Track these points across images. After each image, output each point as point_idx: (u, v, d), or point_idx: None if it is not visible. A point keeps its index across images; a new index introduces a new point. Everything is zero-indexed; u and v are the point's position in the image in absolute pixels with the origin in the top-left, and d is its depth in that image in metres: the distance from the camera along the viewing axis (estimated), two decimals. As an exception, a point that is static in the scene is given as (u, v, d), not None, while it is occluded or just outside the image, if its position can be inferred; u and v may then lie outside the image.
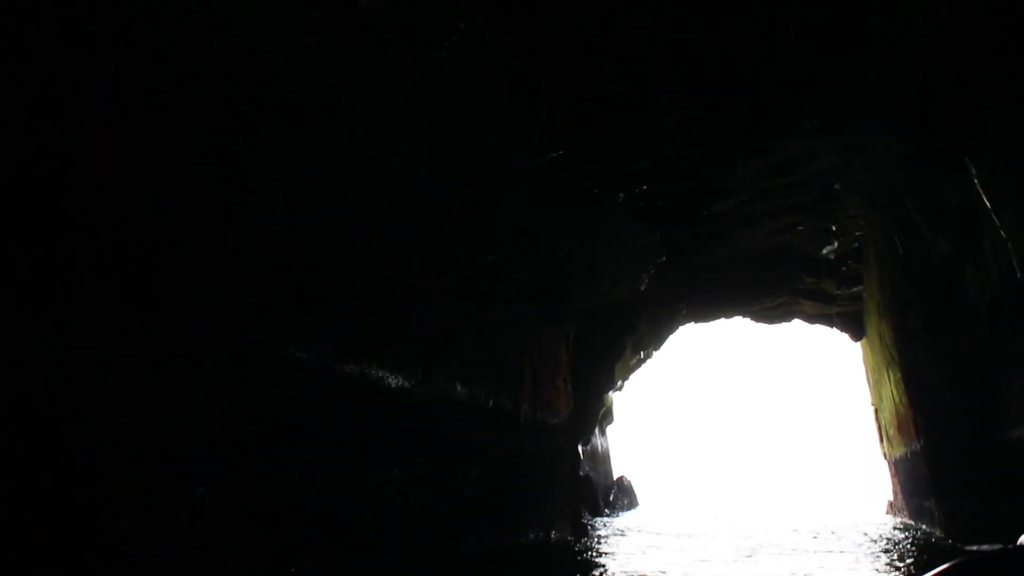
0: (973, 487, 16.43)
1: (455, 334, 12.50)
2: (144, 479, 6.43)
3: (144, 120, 6.80)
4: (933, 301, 18.14)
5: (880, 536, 19.58)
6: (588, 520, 22.82)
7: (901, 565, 14.08)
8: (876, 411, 29.49)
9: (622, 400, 77.57)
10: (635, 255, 21.56)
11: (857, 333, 28.58)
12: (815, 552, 15.33)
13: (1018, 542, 3.98)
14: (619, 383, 29.29)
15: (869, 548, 16.65)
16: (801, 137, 15.43)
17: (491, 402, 13.53)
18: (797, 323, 30.76)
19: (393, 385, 10.24)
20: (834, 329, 29.80)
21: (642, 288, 24.68)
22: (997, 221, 13.11)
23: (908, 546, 17.13)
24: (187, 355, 6.71)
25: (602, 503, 26.98)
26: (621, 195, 17.44)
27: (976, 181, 13.47)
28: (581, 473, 25.36)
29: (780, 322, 30.21)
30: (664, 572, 12.26)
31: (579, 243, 17.65)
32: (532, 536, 15.38)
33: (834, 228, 22.50)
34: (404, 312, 10.89)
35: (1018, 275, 12.88)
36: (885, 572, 12.95)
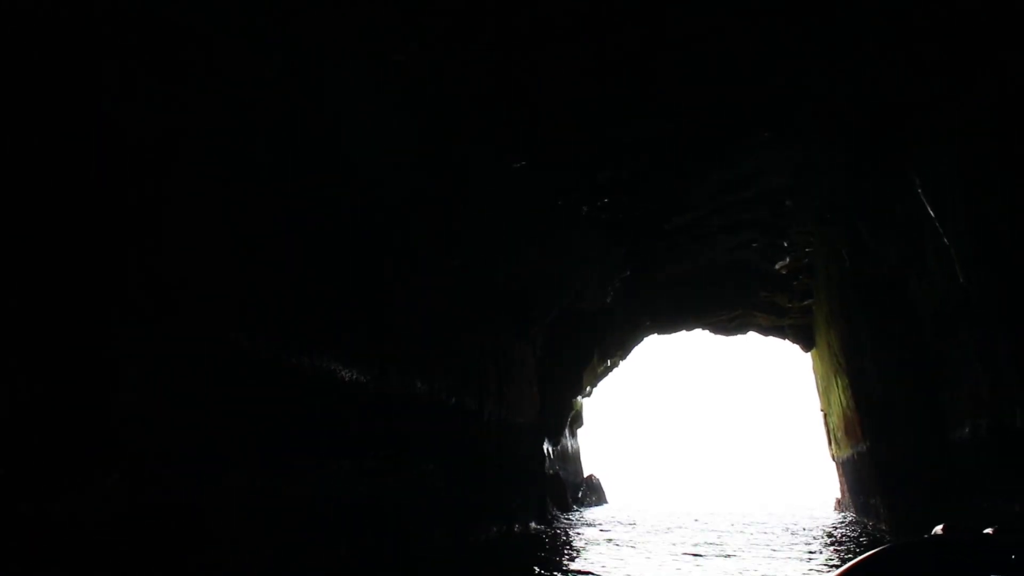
0: (917, 485, 15.50)
1: (417, 333, 11.44)
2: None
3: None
4: (879, 311, 17.25)
5: (830, 528, 18.56)
6: (556, 514, 21.69)
7: (843, 552, 13.04)
8: (825, 416, 28.55)
9: (593, 405, 76.67)
10: (601, 268, 20.56)
11: (808, 344, 27.62)
12: (765, 546, 14.25)
13: (933, 531, 3.94)
14: (587, 389, 28.24)
15: (820, 540, 15.63)
16: (754, 151, 14.48)
17: (453, 400, 12.44)
18: (753, 335, 29.77)
19: (347, 379, 9.15)
20: (786, 340, 28.83)
21: (608, 300, 23.70)
22: (940, 229, 12.17)
23: (853, 537, 16.08)
24: (98, 336, 5.59)
25: (570, 499, 25.84)
26: (585, 208, 16.44)
27: (920, 191, 12.55)
28: (551, 472, 24.24)
29: (737, 334, 29.23)
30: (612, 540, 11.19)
31: (545, 253, 16.63)
32: (495, 529, 14.28)
33: (786, 244, 21.58)
34: (362, 308, 9.83)
35: (961, 280, 11.94)
36: (825, 561, 11.90)
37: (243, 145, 7.62)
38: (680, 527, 19.03)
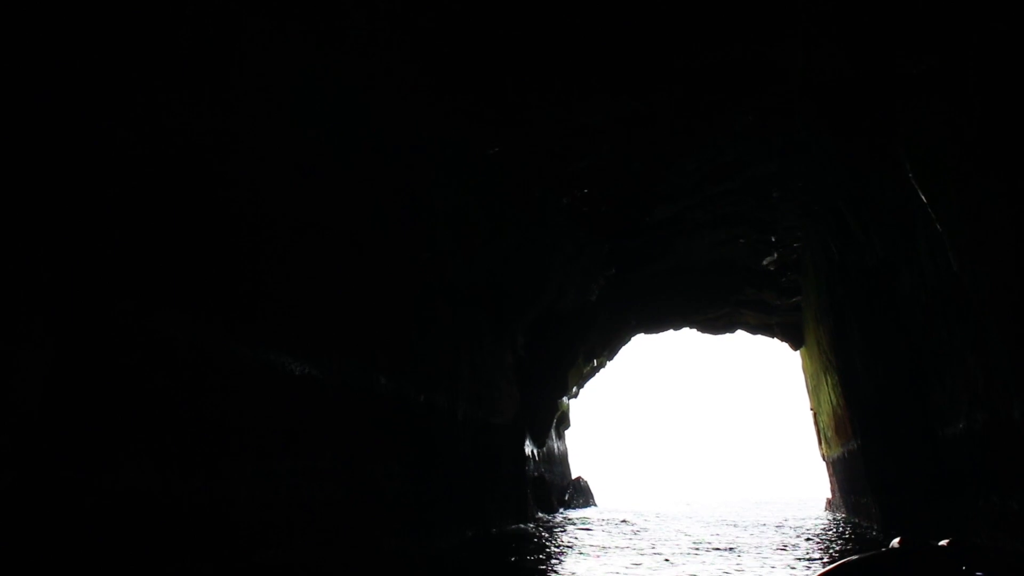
0: (909, 483, 14.95)
1: (381, 327, 10.75)
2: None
3: None
4: (868, 305, 16.69)
5: (821, 530, 17.93)
6: (539, 516, 20.99)
7: (834, 554, 12.37)
8: (815, 415, 27.97)
9: (581, 407, 76.04)
10: (583, 265, 19.91)
11: (796, 342, 27.04)
12: (755, 547, 13.62)
13: (890, 545, 4.06)
14: (573, 390, 27.57)
15: (813, 540, 15.00)
16: (737, 137, 13.85)
17: (422, 397, 11.75)
18: (742, 334, 29.17)
19: (297, 373, 8.46)
20: (775, 339, 28.24)
21: (592, 299, 23.06)
22: (933, 215, 11.57)
23: (846, 539, 15.44)
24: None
25: (556, 502, 25.13)
26: (564, 199, 15.77)
27: (911, 175, 11.95)
28: (535, 474, 23.56)
29: (724, 332, 28.62)
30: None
31: (524, 247, 15.97)
32: (470, 533, 13.58)
33: (773, 239, 20.99)
34: (318, 298, 9.14)
35: (954, 268, 11.33)
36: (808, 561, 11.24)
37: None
38: (656, 527, 18.41)
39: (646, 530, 17.76)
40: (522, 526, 16.69)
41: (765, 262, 22.34)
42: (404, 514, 11.08)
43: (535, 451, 23.99)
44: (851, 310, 17.65)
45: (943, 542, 3.99)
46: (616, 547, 13.06)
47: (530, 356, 21.27)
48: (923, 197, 11.74)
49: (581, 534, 15.89)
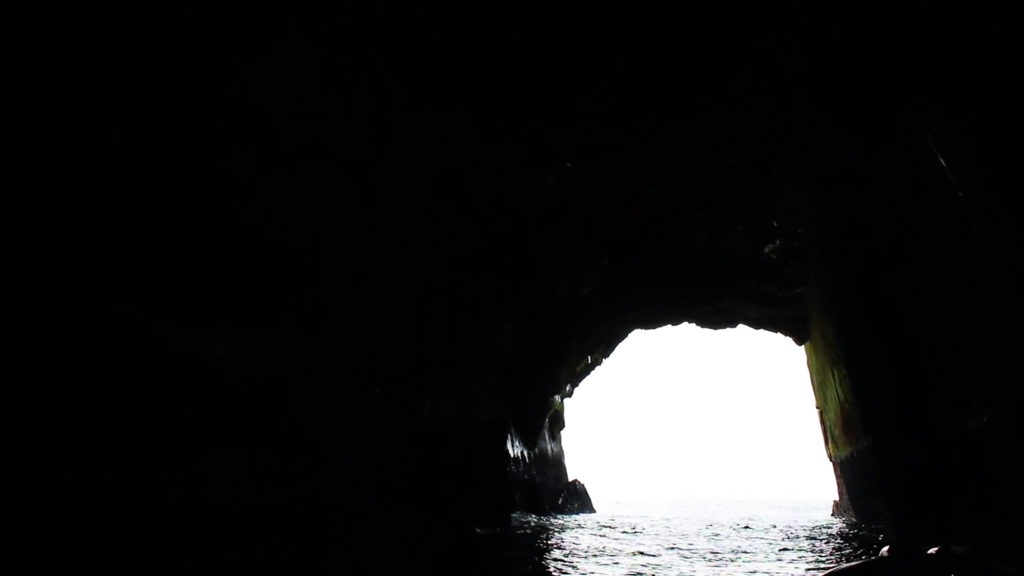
0: (925, 483, 13.68)
1: (332, 307, 9.52)
2: None
3: None
4: (877, 292, 15.46)
5: (830, 535, 16.67)
6: (525, 520, 19.68)
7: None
8: (821, 413, 26.70)
9: (578, 407, 74.62)
10: (574, 253, 18.66)
11: (801, 336, 25.76)
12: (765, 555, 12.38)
13: (880, 553, 4.44)
14: (567, 388, 26.31)
15: (819, 544, 13.77)
16: (732, 106, 12.61)
17: (377, 389, 10.49)
18: (743, 328, 27.89)
19: (219, 355, 7.24)
20: (778, 333, 26.96)
21: (585, 291, 21.81)
22: (954, 178, 10.33)
23: (857, 546, 14.18)
24: None
25: (547, 506, 23.81)
26: (549, 178, 14.52)
27: (928, 138, 10.71)
28: (525, 476, 22.32)
29: (725, 327, 27.32)
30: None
31: (505, 231, 14.72)
32: (444, 537, 12.32)
33: (775, 223, 19.77)
34: (253, 272, 7.92)
35: (980, 238, 10.09)
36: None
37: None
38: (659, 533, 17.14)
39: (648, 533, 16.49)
40: (499, 530, 15.42)
41: (767, 250, 21.10)
42: (358, 515, 9.87)
43: (525, 452, 22.76)
44: (858, 298, 16.41)
45: (932, 550, 4.04)
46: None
47: (517, 350, 20.03)
48: (943, 160, 10.52)
49: (575, 539, 14.68)
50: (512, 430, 21.78)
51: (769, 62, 10.99)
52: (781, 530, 19.54)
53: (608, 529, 18.15)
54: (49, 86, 5.75)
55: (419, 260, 12.00)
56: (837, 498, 28.76)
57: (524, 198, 14.68)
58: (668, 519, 26.35)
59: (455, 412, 13.25)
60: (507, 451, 18.56)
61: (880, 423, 16.34)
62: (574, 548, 12.90)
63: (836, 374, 20.77)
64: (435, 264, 12.63)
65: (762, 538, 16.68)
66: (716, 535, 17.28)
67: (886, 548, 4.34)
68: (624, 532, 17.30)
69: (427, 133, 11.15)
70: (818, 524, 23.02)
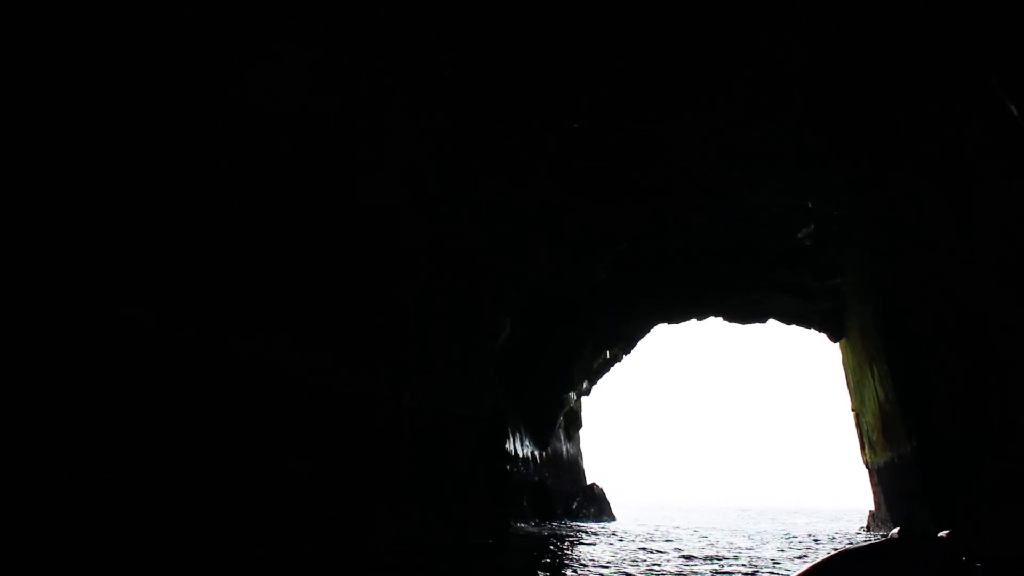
0: (978, 491, 11.86)
1: (287, 285, 8.11)
2: None
3: None
4: (927, 275, 13.63)
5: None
6: (526, 526, 17.96)
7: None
8: (857, 416, 24.70)
9: (597, 406, 72.76)
10: (578, 236, 16.98)
11: (837, 332, 23.83)
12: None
13: (890, 534, 4.22)
14: (583, 385, 24.61)
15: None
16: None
17: (341, 374, 8.92)
18: (774, 324, 25.99)
19: (154, 332, 5.74)
20: (812, 329, 25.04)
21: (600, 279, 20.13)
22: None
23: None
24: None
25: (560, 511, 22.06)
26: (551, 141, 12.89)
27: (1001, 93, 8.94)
28: (535, 479, 20.67)
29: (754, 322, 25.42)
30: None
31: (499, 206, 13.13)
32: (421, 543, 10.70)
33: (810, 205, 17.92)
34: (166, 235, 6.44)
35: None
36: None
37: None
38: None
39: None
40: (492, 541, 13.70)
41: (800, 235, 19.27)
42: (317, 519, 8.34)
43: (535, 452, 21.12)
44: (905, 284, 14.61)
45: (942, 533, 4.01)
46: None
47: (524, 342, 18.41)
48: (1013, 109, 8.77)
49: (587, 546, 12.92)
50: (521, 429, 20.18)
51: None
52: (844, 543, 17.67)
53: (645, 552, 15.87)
54: (67, 88, 5.89)
55: (396, 235, 10.47)
56: (873, 507, 26.76)
57: (522, 171, 13.09)
58: (698, 531, 24.51)
59: (438, 407, 11.62)
60: (507, 450, 16.93)
61: (927, 425, 14.51)
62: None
63: (875, 371, 18.91)
64: (417, 239, 11.11)
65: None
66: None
67: (896, 530, 4.13)
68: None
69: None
70: (867, 538, 21.11)
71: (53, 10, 5.85)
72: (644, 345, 27.41)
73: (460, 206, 13.07)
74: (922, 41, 10.27)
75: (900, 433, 17.18)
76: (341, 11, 9.10)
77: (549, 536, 15.61)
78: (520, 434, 19.72)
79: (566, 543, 14.14)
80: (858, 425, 25.19)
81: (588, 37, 11.18)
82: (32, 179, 5.52)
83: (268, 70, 8.19)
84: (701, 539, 17.44)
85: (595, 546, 13.81)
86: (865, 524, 27.56)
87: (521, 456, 19.51)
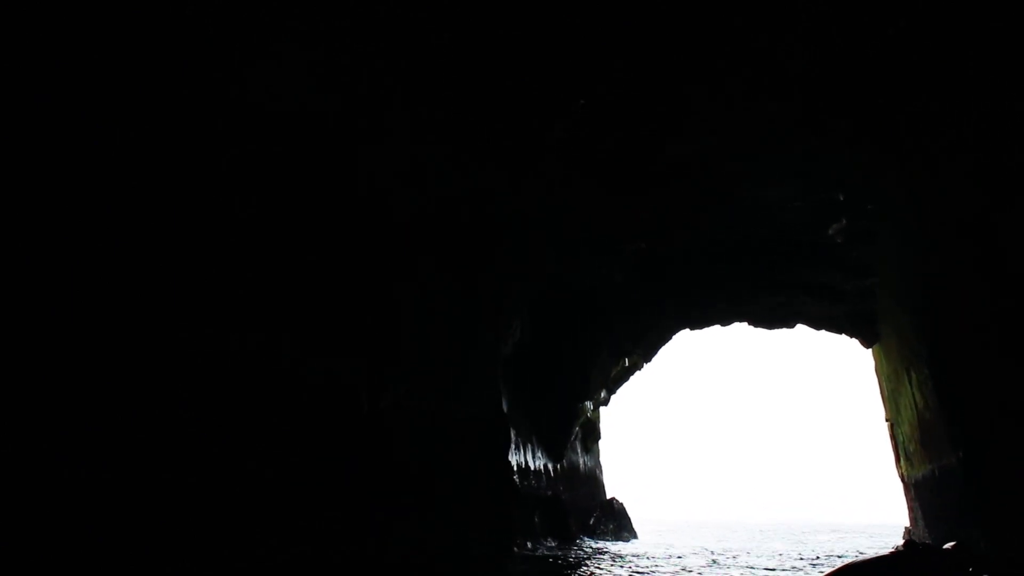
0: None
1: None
2: None
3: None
4: (971, 268, 12.32)
5: None
6: (536, 547, 16.69)
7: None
8: (892, 426, 23.24)
9: (620, 418, 71.08)
10: (589, 237, 15.82)
11: (870, 337, 22.39)
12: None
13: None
14: (601, 394, 23.33)
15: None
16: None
17: (307, 366, 7.82)
18: (802, 329, 24.58)
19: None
20: (843, 335, 23.60)
21: (615, 282, 18.91)
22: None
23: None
24: None
25: (576, 528, 20.72)
26: (558, 124, 11.78)
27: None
28: (548, 493, 19.41)
29: (781, 327, 24.00)
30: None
31: (499, 189, 12.01)
32: (408, 563, 9.51)
33: (841, 197, 16.61)
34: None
35: None
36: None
37: None
38: None
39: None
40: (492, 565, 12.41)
41: (831, 231, 17.94)
42: (313, 518, 7.35)
43: (548, 465, 19.86)
44: (950, 275, 13.28)
45: (948, 545, 4.08)
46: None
47: (535, 348, 17.21)
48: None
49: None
50: (533, 440, 18.95)
51: None
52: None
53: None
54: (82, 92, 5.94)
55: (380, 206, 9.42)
56: (908, 524, 25.21)
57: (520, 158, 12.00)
58: (752, 554, 23.08)
59: (429, 407, 10.45)
60: (510, 459, 15.71)
61: (978, 434, 13.13)
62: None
63: (914, 377, 17.50)
64: (403, 211, 10.07)
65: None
66: None
67: (903, 542, 3.30)
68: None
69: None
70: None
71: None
72: (666, 353, 26.06)
73: (460, 204, 12.09)
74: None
75: (943, 443, 15.77)
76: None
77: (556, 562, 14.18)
78: (532, 445, 18.51)
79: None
80: (893, 436, 23.71)
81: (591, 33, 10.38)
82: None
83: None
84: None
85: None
86: (902, 540, 26.07)
87: (533, 469, 18.27)
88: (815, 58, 10.87)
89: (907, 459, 21.83)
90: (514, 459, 16.60)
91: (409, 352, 9.99)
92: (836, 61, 10.90)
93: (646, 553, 17.54)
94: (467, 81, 10.85)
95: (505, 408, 16.61)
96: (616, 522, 25.79)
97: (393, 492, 9.23)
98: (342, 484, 8.30)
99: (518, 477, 16.85)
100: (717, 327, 25.16)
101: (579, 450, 23.87)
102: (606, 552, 17.32)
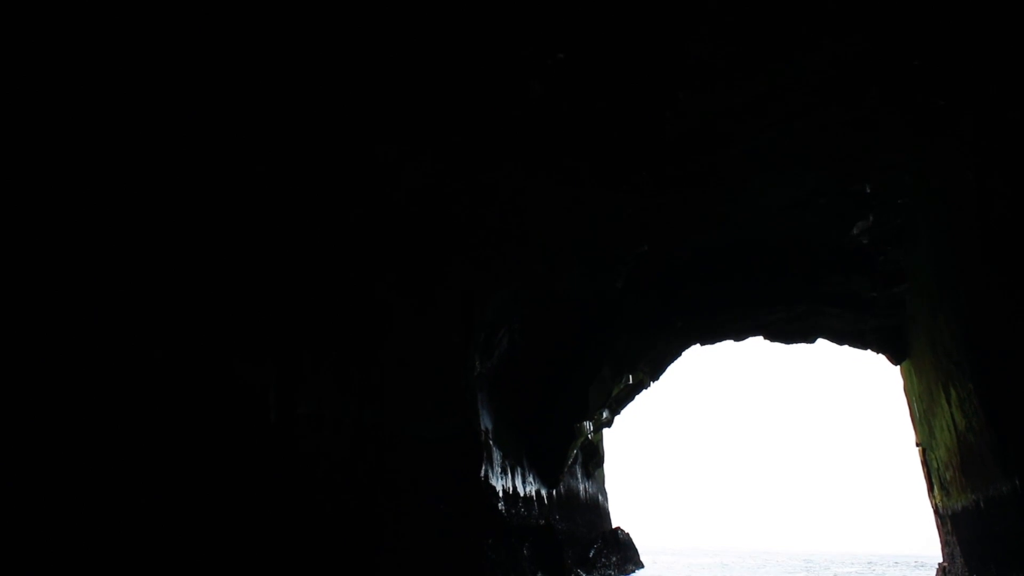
0: None
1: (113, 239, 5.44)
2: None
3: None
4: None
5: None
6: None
7: None
8: (923, 451, 21.14)
9: (625, 440, 68.75)
10: (583, 238, 14.00)
11: (899, 353, 20.35)
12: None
13: None
14: (603, 414, 21.32)
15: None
16: None
17: (194, 363, 6.02)
18: (824, 344, 22.55)
19: None
20: (868, 350, 21.54)
21: (615, 289, 17.01)
22: None
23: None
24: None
25: (572, 562, 18.67)
26: (535, 85, 9.99)
27: None
28: (540, 522, 17.39)
29: (800, 342, 21.95)
30: None
31: (464, 201, 10.21)
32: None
33: (868, 190, 14.68)
34: None
35: None
36: None
37: None
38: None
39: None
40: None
41: (856, 231, 16.00)
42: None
43: (542, 491, 17.87)
44: (999, 275, 11.34)
45: None
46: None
47: (525, 363, 15.31)
48: None
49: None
50: (524, 463, 17.00)
51: None
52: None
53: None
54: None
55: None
56: (943, 560, 22.96)
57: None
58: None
59: (369, 418, 8.55)
60: (490, 485, 13.76)
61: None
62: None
63: (953, 395, 15.45)
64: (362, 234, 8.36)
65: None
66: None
67: None
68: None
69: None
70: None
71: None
72: (675, 370, 24.10)
73: (425, 204, 10.36)
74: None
75: (990, 469, 13.71)
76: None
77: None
78: (523, 469, 16.56)
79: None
80: (925, 462, 21.57)
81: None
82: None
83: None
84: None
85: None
86: (935, 577, 23.76)
87: (523, 495, 16.31)
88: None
89: (942, 488, 19.69)
90: (499, 484, 14.69)
91: (325, 341, 8.15)
92: None
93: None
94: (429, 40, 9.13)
95: (488, 426, 14.74)
96: (620, 554, 23.67)
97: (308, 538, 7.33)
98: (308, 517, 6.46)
99: (504, 504, 14.90)
100: (730, 342, 23.22)
101: (579, 475, 21.88)
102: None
